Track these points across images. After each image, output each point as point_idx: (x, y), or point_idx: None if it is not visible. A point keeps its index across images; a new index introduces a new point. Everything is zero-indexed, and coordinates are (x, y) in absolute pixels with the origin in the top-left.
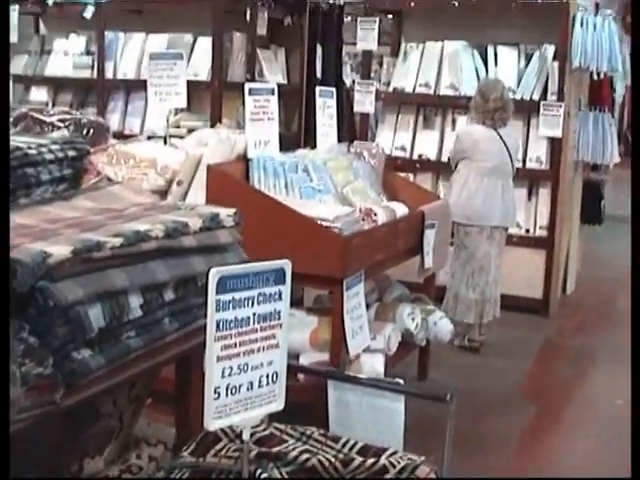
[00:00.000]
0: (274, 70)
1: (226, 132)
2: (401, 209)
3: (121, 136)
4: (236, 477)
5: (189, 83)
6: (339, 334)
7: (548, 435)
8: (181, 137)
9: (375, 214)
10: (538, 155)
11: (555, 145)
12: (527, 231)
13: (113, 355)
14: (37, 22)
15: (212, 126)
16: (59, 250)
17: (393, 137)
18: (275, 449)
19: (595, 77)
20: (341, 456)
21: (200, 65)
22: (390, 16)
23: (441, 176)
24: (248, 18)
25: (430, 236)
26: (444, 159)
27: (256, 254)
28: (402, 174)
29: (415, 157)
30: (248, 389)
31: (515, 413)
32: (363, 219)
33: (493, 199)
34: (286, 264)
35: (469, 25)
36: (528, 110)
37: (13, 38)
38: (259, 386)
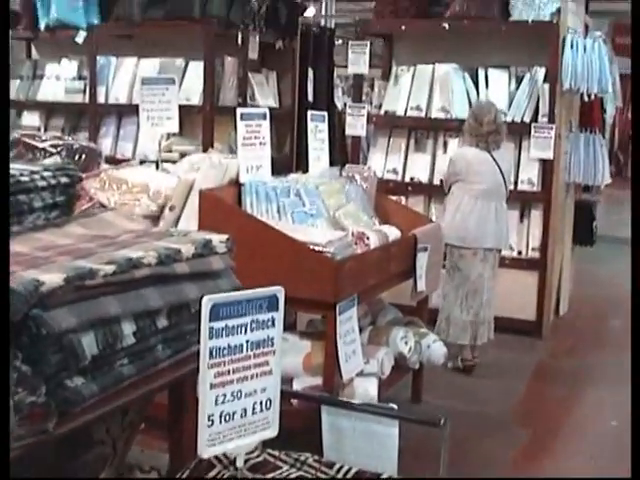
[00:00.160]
0: (266, 94)
1: (218, 157)
2: (393, 232)
3: (113, 161)
4: None
5: (181, 107)
6: (332, 358)
7: (542, 458)
8: (173, 162)
9: (367, 238)
10: (530, 177)
11: (547, 167)
12: (519, 253)
13: (106, 383)
14: (29, 47)
15: (204, 151)
16: (51, 278)
17: (385, 160)
18: (269, 475)
19: (586, 99)
20: None
21: (192, 89)
22: (381, 39)
23: (433, 199)
24: (239, 42)
25: (423, 259)
26: (436, 182)
27: (249, 279)
28: (394, 197)
29: (407, 180)
30: (242, 416)
31: (509, 436)
32: (356, 243)
33: (487, 221)
34: (279, 291)
35: (460, 48)
36: (519, 132)
37: None
38: (253, 413)
